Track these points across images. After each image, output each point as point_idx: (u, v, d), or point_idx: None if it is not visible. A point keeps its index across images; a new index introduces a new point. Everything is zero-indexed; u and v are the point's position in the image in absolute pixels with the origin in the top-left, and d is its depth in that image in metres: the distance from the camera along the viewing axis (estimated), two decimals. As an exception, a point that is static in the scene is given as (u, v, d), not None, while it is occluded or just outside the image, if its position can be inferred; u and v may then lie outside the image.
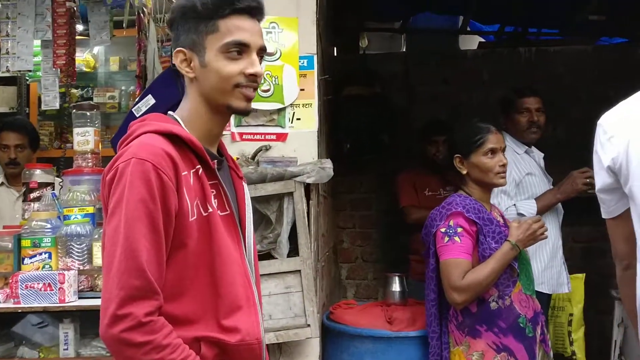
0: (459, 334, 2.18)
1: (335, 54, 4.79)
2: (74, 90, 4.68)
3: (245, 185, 1.56)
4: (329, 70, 4.25)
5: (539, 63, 4.54)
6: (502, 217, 2.32)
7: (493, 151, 2.29)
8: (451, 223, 2.18)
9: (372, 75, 4.55)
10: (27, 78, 4.53)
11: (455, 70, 4.58)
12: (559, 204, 3.09)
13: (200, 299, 1.33)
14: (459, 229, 2.15)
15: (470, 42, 4.95)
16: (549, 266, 2.98)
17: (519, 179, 3.00)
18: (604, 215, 1.62)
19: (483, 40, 4.87)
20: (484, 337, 2.13)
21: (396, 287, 2.71)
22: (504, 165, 2.31)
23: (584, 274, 3.22)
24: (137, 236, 1.25)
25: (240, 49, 1.38)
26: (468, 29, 4.58)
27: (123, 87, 4.73)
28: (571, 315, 3.23)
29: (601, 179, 1.57)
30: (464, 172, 2.27)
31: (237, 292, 1.37)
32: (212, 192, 1.38)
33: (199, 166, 1.37)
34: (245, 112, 1.44)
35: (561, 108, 4.41)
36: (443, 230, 2.19)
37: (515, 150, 3.07)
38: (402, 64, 4.68)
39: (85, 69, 4.70)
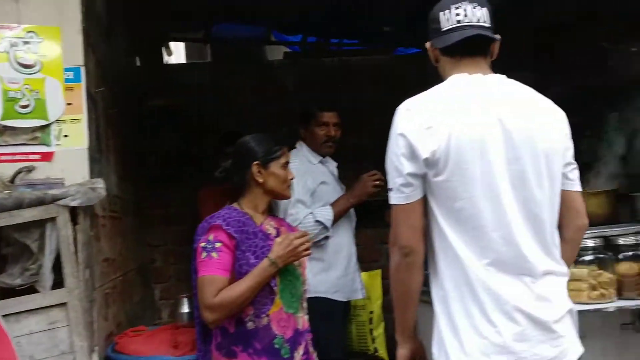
0: (217, 354, 2.09)
1: (137, 65, 4.58)
2: None
3: None
4: (130, 82, 4.05)
5: (343, 72, 4.69)
6: (279, 229, 2.26)
7: (287, 164, 2.30)
8: (210, 237, 2.10)
9: (177, 86, 4.42)
10: None
11: (263, 80, 4.58)
12: (352, 211, 3.16)
13: None
14: (218, 244, 2.08)
15: (278, 53, 4.98)
16: (344, 274, 3.03)
17: (313, 188, 3.03)
18: (398, 201, 1.62)
19: (289, 50, 4.93)
20: (239, 357, 2.05)
21: (184, 308, 2.60)
22: (291, 179, 2.32)
23: (380, 270, 3.32)
24: None
25: None
26: (273, 38, 4.60)
27: None
28: (372, 312, 3.33)
29: (413, 166, 1.60)
30: (261, 180, 2.21)
31: None
32: None
33: None
34: None
35: (365, 116, 4.58)
36: (202, 245, 2.10)
37: (310, 160, 3.11)
38: (208, 74, 4.60)
39: None
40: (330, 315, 2.93)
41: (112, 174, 3.06)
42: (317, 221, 2.93)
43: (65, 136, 2.40)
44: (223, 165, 2.31)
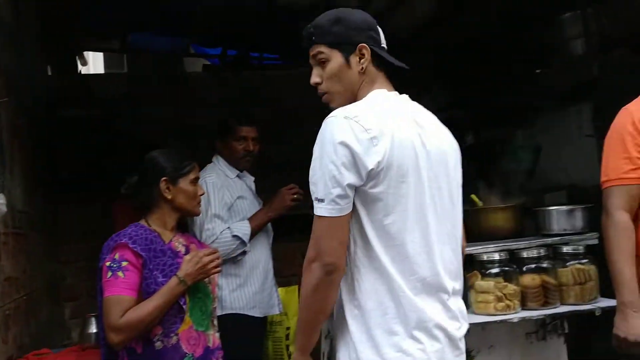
0: None
1: (50, 74, 4.41)
2: None
3: None
4: (41, 92, 3.88)
5: (263, 86, 4.69)
6: (189, 247, 2.22)
7: (196, 180, 2.25)
8: (116, 256, 2.04)
9: (91, 97, 4.28)
10: None
11: (181, 92, 4.51)
12: (269, 226, 3.14)
13: None
14: (124, 263, 2.02)
15: (197, 65, 4.93)
16: (260, 290, 3.00)
17: (230, 202, 2.99)
18: (330, 213, 1.52)
19: (208, 63, 4.88)
20: None
21: (92, 328, 2.50)
22: (201, 195, 2.28)
23: (297, 285, 3.32)
24: None
25: None
26: (192, 51, 4.55)
27: None
28: (288, 328, 3.31)
29: (354, 177, 1.52)
30: (169, 197, 2.16)
31: None
32: None
33: None
34: None
35: (285, 129, 4.59)
36: (108, 264, 2.04)
37: (227, 174, 3.07)
38: (125, 85, 4.48)
39: None
40: (247, 332, 2.89)
41: (17, 188, 2.91)
42: (235, 236, 2.89)
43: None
44: (128, 181, 2.24)
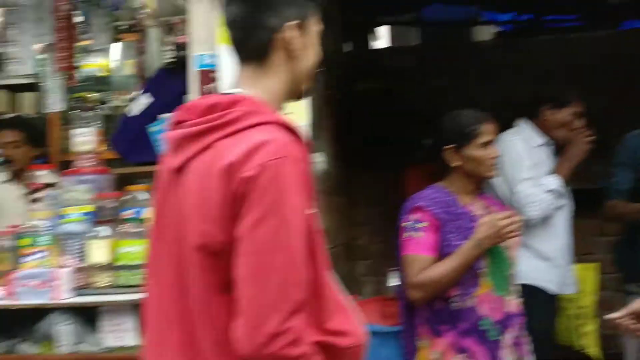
0: (422, 329, 2.11)
1: (344, 50, 4.74)
2: (92, 94, 4.74)
3: None
4: (339, 66, 4.20)
5: (558, 52, 4.38)
6: (490, 210, 2.18)
7: (488, 143, 2.17)
8: (413, 217, 2.10)
9: (382, 70, 4.51)
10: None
11: (470, 62, 4.46)
12: (570, 199, 2.97)
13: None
14: (420, 224, 2.08)
15: (486, 33, 4.83)
16: (557, 264, 2.86)
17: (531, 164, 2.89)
18: None
19: (500, 30, 4.75)
20: (444, 336, 2.05)
21: (392, 282, 2.66)
22: (495, 158, 2.20)
23: (596, 263, 3.08)
24: (299, 247, 1.15)
25: None
26: (482, 19, 4.47)
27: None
28: (581, 307, 3.10)
29: None
30: (456, 164, 2.14)
31: (337, 295, 1.28)
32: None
33: None
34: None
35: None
36: (405, 224, 2.12)
37: (532, 142, 2.94)
38: (414, 57, 4.60)
39: (101, 74, 4.75)
40: (540, 304, 2.79)
41: (329, 151, 3.21)
42: (549, 190, 2.79)
43: (290, 113, 2.58)
44: (424, 144, 2.28)
